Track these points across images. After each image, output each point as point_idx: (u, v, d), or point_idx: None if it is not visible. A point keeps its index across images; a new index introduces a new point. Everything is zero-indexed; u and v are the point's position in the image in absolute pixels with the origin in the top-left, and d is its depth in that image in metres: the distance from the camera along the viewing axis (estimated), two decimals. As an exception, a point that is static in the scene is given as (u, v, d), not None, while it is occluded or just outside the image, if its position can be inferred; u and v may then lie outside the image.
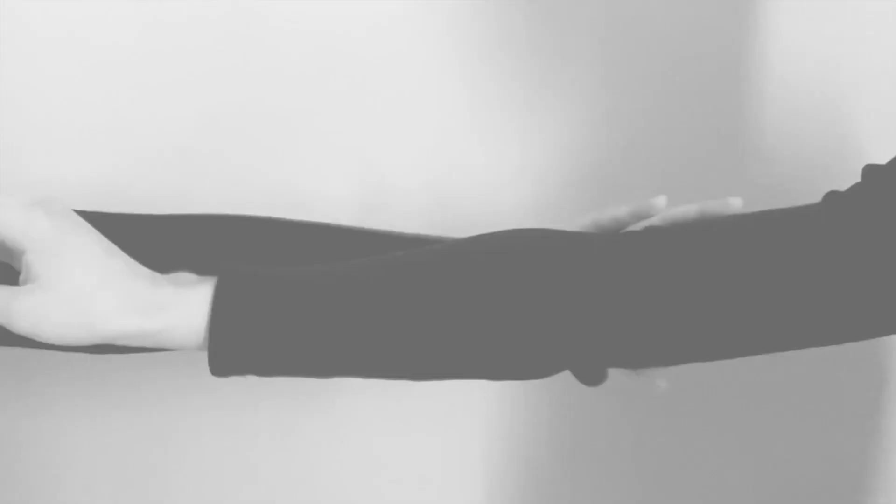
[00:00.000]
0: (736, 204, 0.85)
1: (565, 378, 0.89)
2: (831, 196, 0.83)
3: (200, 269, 0.77)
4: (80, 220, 0.74)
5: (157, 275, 0.74)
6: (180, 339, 0.73)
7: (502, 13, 1.10)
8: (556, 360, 0.79)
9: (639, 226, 0.86)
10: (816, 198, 0.83)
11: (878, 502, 1.17)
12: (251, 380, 1.19)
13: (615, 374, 0.86)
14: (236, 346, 0.73)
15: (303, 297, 0.74)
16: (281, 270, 0.75)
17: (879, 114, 1.13)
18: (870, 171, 0.82)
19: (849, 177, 1.04)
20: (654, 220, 0.86)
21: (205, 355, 0.74)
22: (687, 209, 0.85)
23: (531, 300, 0.77)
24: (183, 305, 0.73)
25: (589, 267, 0.78)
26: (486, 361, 0.78)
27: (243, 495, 1.18)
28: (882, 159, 0.81)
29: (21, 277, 0.73)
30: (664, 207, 0.86)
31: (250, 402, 1.16)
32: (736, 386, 1.00)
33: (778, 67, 1.13)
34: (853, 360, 1.21)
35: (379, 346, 0.74)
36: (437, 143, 1.12)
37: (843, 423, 1.23)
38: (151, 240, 0.86)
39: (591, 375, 0.86)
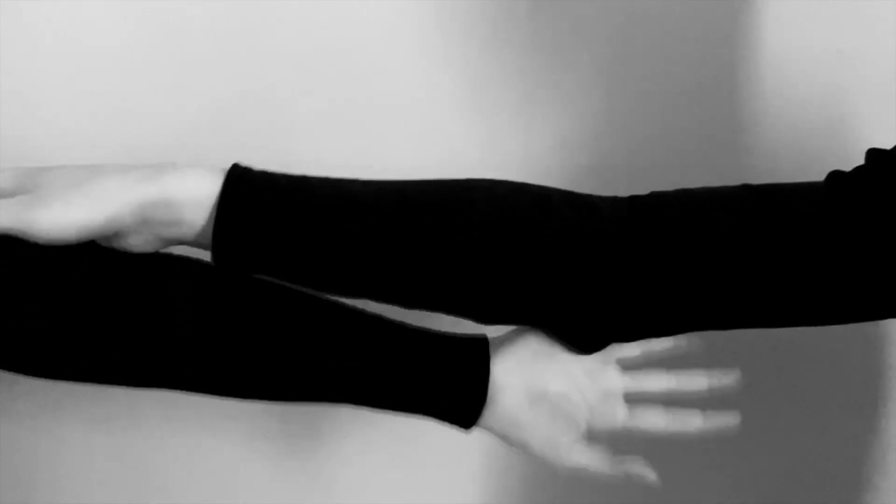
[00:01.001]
0: None
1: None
2: (835, 175, 0.82)
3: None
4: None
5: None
6: (183, 208, 0.74)
7: (503, 8, 1.10)
8: (555, 318, 0.81)
9: None
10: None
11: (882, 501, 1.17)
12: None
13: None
14: (241, 229, 0.74)
15: (307, 205, 0.75)
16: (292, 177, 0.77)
17: (882, 111, 1.13)
18: (874, 153, 0.81)
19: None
20: None
21: None
22: None
23: (537, 262, 0.78)
24: (187, 175, 0.75)
25: (599, 245, 0.79)
26: (474, 306, 0.80)
27: (241, 492, 1.18)
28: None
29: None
30: None
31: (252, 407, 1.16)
32: (738, 388, 0.99)
33: (778, 64, 1.13)
34: (854, 361, 1.21)
35: (372, 269, 0.76)
36: (438, 139, 1.12)
37: (845, 422, 1.23)
38: None
39: (589, 341, 0.85)
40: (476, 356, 0.82)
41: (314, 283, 0.78)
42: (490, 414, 0.82)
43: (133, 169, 0.75)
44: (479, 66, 1.11)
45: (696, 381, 0.88)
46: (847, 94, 1.15)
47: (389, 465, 1.20)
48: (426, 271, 0.77)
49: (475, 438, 1.18)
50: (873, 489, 1.19)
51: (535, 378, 0.83)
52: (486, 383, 0.81)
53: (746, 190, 0.82)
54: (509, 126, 1.12)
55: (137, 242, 0.75)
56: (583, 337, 0.83)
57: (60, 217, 0.72)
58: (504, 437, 0.84)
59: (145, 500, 1.17)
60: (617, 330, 0.82)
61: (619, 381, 0.87)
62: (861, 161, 0.83)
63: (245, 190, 0.75)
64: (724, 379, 0.88)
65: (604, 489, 1.21)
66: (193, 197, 0.75)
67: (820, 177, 0.83)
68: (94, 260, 0.75)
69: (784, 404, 1.22)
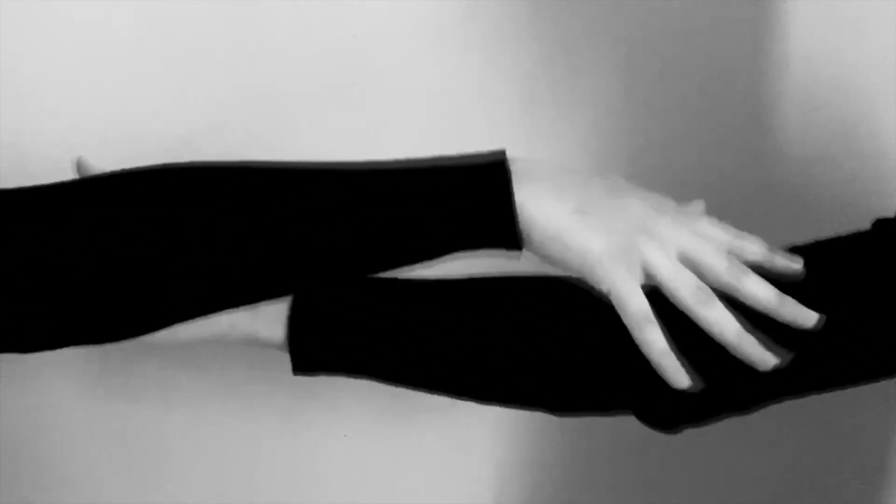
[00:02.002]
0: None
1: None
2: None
3: None
4: None
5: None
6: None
7: (505, 8, 1.10)
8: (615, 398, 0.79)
9: None
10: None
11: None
12: (250, 377, 1.19)
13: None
14: (312, 343, 0.79)
15: (367, 317, 0.79)
16: (348, 291, 0.80)
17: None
18: None
19: (869, 173, 1.04)
20: None
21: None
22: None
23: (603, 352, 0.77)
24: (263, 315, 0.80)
25: None
26: (549, 399, 0.81)
27: (242, 492, 1.18)
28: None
29: None
30: None
31: (249, 398, 1.16)
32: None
33: (798, 64, 1.12)
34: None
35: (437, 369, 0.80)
36: (438, 138, 1.12)
37: (846, 422, 1.23)
38: None
39: (660, 418, 0.80)
40: (491, 166, 0.74)
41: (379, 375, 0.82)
42: (535, 231, 0.72)
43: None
44: (487, 67, 1.11)
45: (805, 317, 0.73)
46: (868, 92, 1.14)
47: (387, 467, 1.21)
48: (504, 370, 0.78)
49: (476, 442, 1.18)
50: (875, 490, 1.20)
51: (574, 186, 0.73)
52: (506, 186, 0.72)
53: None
54: (520, 127, 1.12)
55: None
56: (658, 415, 0.79)
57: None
58: (562, 257, 0.72)
59: (144, 496, 1.18)
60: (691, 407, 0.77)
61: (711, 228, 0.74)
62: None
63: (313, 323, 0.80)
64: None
65: (604, 490, 1.21)
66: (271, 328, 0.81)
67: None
68: (93, 260, 0.75)
69: (784, 404, 1.22)
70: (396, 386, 0.82)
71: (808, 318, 0.72)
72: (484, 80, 1.12)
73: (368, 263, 0.75)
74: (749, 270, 0.72)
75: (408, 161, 0.75)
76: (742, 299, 0.72)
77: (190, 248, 0.72)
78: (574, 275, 0.73)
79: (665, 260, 0.71)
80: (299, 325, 0.79)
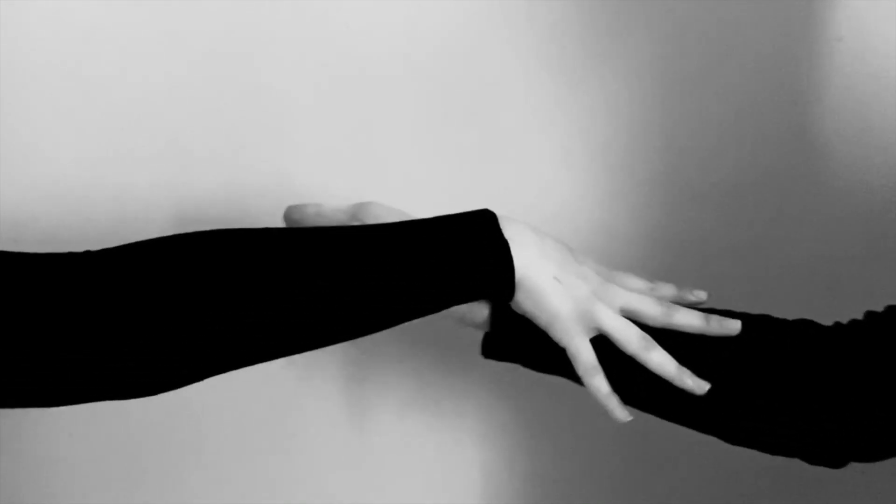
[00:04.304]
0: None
1: (565, 383, 0.89)
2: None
3: None
4: None
5: None
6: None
7: (508, 7, 1.10)
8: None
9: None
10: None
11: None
12: (249, 375, 1.19)
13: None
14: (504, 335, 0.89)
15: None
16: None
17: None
18: None
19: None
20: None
21: None
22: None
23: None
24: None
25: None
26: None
27: (241, 489, 1.18)
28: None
29: None
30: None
31: (247, 396, 1.16)
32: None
33: (843, 66, 1.12)
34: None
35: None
36: (437, 138, 1.12)
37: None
38: None
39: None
40: (488, 226, 0.85)
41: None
42: (521, 289, 0.85)
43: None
44: (481, 65, 1.11)
45: (729, 326, 0.88)
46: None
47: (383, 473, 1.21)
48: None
49: (467, 448, 1.18)
50: (876, 490, 1.19)
51: (553, 253, 0.87)
52: (507, 248, 0.84)
53: None
54: (511, 125, 1.12)
55: None
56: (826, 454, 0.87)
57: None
58: (533, 314, 0.86)
59: (143, 494, 1.18)
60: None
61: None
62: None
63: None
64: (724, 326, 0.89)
65: (603, 490, 1.21)
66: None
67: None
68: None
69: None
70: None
71: (733, 326, 0.87)
72: (484, 77, 1.11)
73: (373, 321, 0.83)
74: (676, 306, 0.88)
75: (403, 222, 0.85)
76: (678, 328, 0.87)
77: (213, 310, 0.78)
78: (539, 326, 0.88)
79: (614, 321, 0.86)
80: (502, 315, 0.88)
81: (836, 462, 0.87)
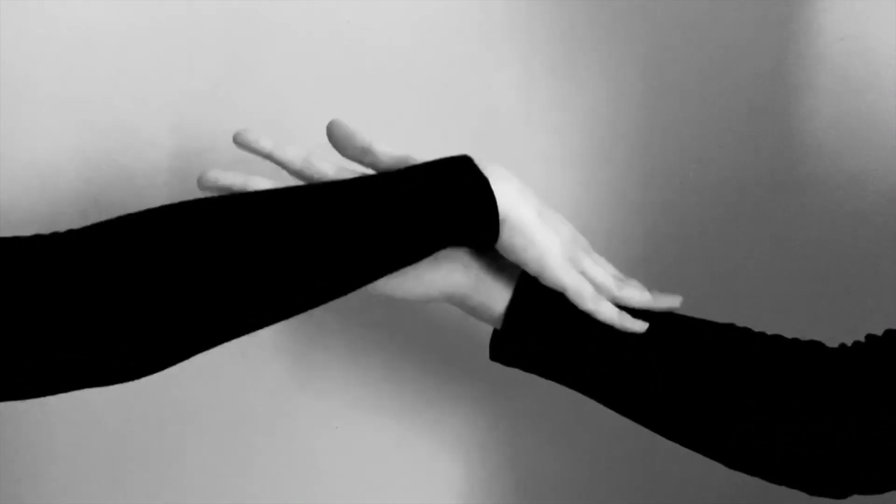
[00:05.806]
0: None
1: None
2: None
3: None
4: None
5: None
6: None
7: (509, 7, 1.10)
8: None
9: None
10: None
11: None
12: (248, 374, 1.18)
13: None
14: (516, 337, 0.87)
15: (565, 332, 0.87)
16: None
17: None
18: None
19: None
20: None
21: None
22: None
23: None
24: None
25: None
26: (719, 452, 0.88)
27: (239, 486, 1.18)
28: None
29: None
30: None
31: (246, 393, 1.16)
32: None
33: (844, 66, 1.12)
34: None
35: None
36: (435, 129, 1.12)
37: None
38: None
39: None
40: (466, 165, 0.83)
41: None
42: (506, 225, 0.83)
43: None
44: (481, 65, 1.11)
45: (665, 300, 0.90)
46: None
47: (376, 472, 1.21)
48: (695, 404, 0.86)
49: (458, 449, 1.18)
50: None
51: (531, 193, 0.85)
52: (487, 183, 0.82)
53: None
54: (510, 122, 1.12)
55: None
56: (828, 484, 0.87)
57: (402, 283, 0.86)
58: (523, 249, 0.84)
59: (142, 491, 1.17)
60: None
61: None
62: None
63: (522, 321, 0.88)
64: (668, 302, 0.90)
65: (603, 491, 1.21)
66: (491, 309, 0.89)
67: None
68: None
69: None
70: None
71: (673, 300, 0.88)
72: (484, 77, 1.11)
73: (361, 272, 0.80)
74: (627, 283, 0.88)
75: (382, 174, 0.83)
76: (625, 303, 0.87)
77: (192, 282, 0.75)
78: (529, 272, 0.85)
79: (592, 269, 0.86)
80: (516, 312, 0.87)
81: (839, 491, 0.86)
